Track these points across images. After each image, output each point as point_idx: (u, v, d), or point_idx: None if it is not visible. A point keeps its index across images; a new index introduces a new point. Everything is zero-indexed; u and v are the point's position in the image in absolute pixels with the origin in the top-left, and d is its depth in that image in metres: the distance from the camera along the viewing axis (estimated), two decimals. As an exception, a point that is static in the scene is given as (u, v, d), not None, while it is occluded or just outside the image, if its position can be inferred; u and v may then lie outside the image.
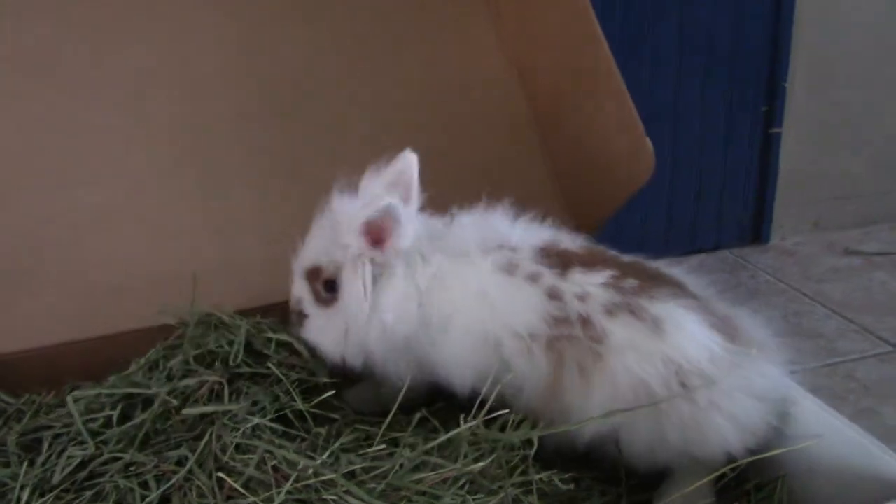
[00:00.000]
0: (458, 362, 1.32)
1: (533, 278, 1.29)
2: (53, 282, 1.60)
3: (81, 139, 1.70)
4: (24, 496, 1.19)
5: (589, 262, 1.30)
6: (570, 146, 1.88)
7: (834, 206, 3.29)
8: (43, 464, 1.27)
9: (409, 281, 1.33)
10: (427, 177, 1.93)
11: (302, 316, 1.41)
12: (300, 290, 1.40)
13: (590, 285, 1.27)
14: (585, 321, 1.24)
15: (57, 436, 1.33)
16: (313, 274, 1.37)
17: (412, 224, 1.35)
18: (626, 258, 1.37)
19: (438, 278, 1.33)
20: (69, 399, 1.37)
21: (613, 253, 1.38)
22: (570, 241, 1.38)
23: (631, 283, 1.27)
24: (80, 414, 1.34)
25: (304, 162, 1.80)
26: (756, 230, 3.19)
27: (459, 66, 2.01)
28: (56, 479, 1.23)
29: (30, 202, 1.64)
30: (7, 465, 1.28)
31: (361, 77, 1.93)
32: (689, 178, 3.01)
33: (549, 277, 1.29)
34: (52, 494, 1.20)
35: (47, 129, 1.70)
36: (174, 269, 1.58)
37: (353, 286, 1.34)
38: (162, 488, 1.19)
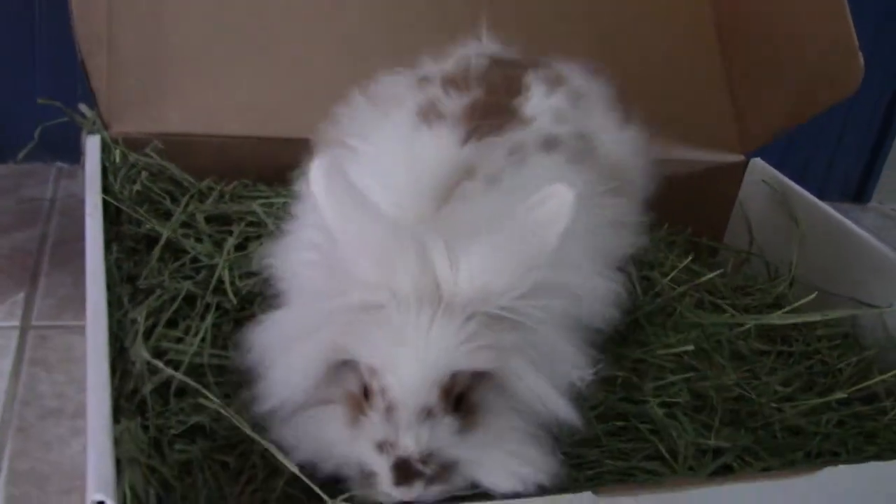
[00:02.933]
0: None
1: None
2: (246, 73, 1.55)
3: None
4: (227, 276, 1.18)
5: None
6: (763, 50, 1.80)
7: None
8: (237, 249, 1.25)
9: None
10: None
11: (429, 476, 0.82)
12: (416, 437, 0.81)
13: None
14: None
15: (244, 230, 1.31)
16: (444, 395, 0.82)
17: None
18: None
19: None
20: (256, 206, 1.35)
21: None
22: None
23: None
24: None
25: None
26: (861, 188, 3.11)
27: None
28: (255, 265, 1.21)
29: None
30: (200, 240, 1.26)
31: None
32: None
33: None
34: (251, 281, 1.19)
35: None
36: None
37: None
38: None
